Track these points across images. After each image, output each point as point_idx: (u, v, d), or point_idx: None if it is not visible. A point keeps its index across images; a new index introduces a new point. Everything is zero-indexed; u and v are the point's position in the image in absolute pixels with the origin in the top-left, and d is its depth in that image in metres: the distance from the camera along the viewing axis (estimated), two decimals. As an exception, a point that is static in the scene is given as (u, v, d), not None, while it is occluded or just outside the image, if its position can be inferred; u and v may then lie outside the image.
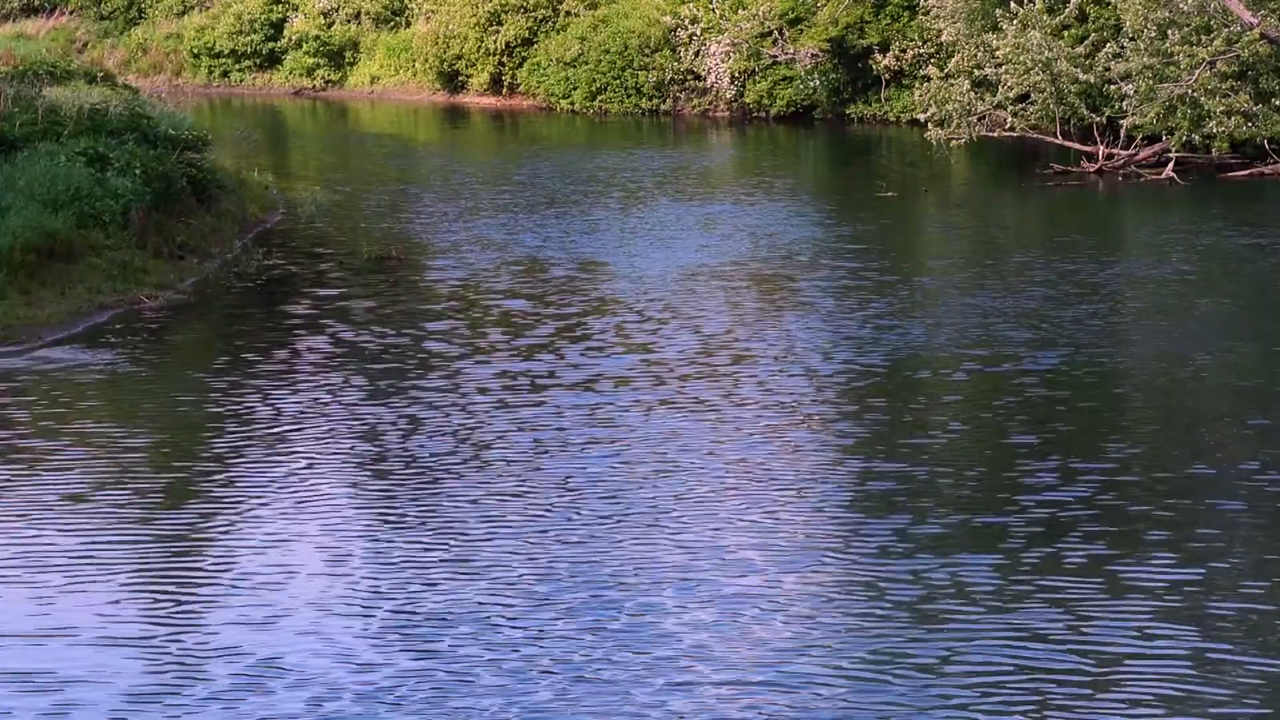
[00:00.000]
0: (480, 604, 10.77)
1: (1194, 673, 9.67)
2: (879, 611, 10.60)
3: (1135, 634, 10.18)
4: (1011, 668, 9.73)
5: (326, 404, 16.04)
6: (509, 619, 10.52)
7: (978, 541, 11.84)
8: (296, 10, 59.79)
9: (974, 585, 10.98)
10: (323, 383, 16.89)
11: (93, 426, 15.31)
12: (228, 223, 26.08)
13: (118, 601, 11.00)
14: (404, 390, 16.42)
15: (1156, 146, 32.84)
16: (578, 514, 12.55)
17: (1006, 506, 12.58)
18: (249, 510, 12.84)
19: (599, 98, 48.80)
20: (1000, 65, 33.65)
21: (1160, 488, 13.04)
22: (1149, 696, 9.36)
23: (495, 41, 52.18)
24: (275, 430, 15.05)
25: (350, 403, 16.08)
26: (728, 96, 46.46)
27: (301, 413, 15.71)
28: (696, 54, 47.11)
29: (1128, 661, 9.80)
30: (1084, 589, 10.90)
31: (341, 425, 15.29)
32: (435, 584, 11.14)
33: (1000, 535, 11.96)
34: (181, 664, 9.93)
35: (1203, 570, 11.25)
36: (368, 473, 13.85)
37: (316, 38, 58.61)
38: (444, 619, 10.55)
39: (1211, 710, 9.21)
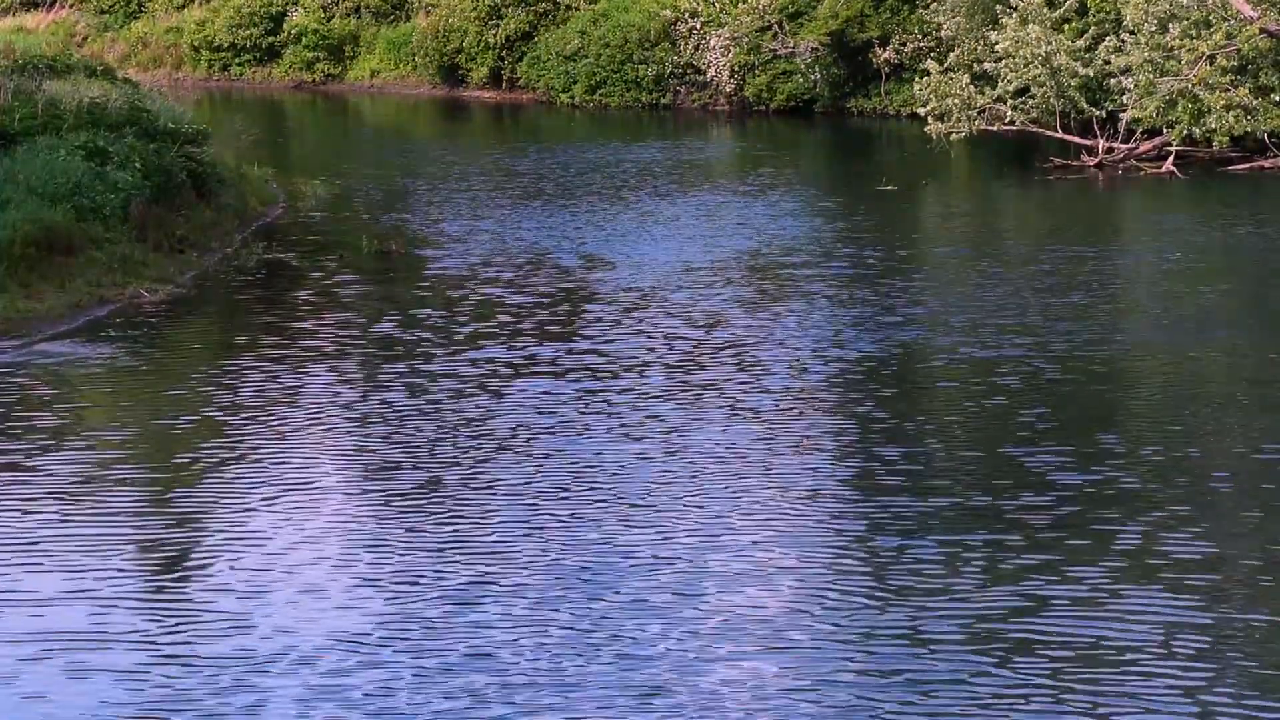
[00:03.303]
0: (496, 585, 10.82)
1: (1222, 647, 9.72)
2: (902, 587, 10.69)
3: (1161, 609, 10.25)
4: (1034, 641, 9.80)
5: (328, 396, 16.04)
6: (526, 599, 10.56)
7: (998, 522, 11.92)
8: (296, 4, 59.76)
9: (995, 563, 11.07)
10: (323, 375, 16.90)
11: (92, 419, 15.32)
12: (228, 216, 26.07)
13: (122, 577, 11.04)
14: (406, 381, 16.41)
15: (1156, 140, 32.83)
16: (588, 500, 12.59)
17: (1024, 489, 12.65)
18: (253, 498, 12.85)
19: (599, 91, 48.78)
20: (1000, 59, 33.64)
21: (1178, 470, 13.14)
22: (1176, 670, 9.41)
23: (495, 35, 52.17)
24: (277, 421, 15.05)
25: (352, 394, 16.09)
26: (727, 90, 46.43)
27: (303, 404, 15.72)
28: (696, 48, 47.10)
29: (1153, 636, 9.85)
30: (1107, 566, 10.98)
31: (343, 416, 15.29)
32: (448, 567, 11.16)
33: (1020, 516, 12.03)
34: (186, 644, 9.94)
35: (1228, 549, 11.35)
36: (372, 461, 13.86)
37: (316, 31, 58.55)
38: (459, 600, 10.59)
39: (1242, 682, 9.26)
